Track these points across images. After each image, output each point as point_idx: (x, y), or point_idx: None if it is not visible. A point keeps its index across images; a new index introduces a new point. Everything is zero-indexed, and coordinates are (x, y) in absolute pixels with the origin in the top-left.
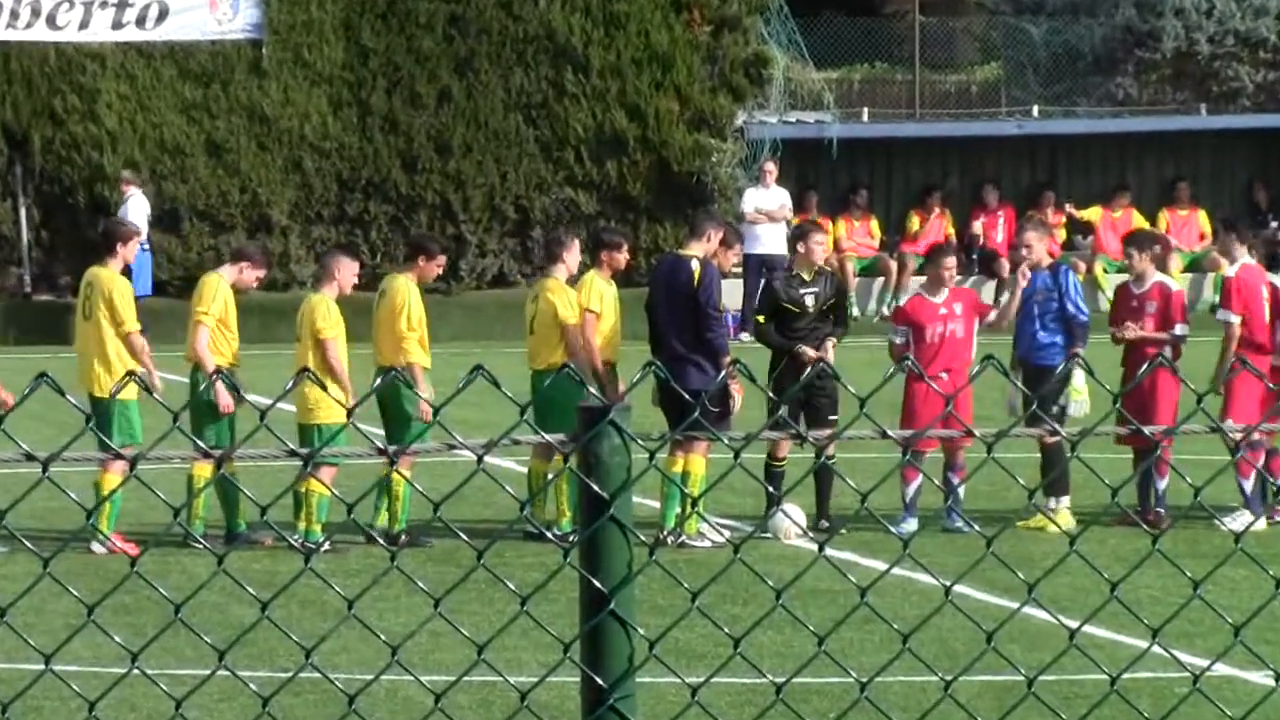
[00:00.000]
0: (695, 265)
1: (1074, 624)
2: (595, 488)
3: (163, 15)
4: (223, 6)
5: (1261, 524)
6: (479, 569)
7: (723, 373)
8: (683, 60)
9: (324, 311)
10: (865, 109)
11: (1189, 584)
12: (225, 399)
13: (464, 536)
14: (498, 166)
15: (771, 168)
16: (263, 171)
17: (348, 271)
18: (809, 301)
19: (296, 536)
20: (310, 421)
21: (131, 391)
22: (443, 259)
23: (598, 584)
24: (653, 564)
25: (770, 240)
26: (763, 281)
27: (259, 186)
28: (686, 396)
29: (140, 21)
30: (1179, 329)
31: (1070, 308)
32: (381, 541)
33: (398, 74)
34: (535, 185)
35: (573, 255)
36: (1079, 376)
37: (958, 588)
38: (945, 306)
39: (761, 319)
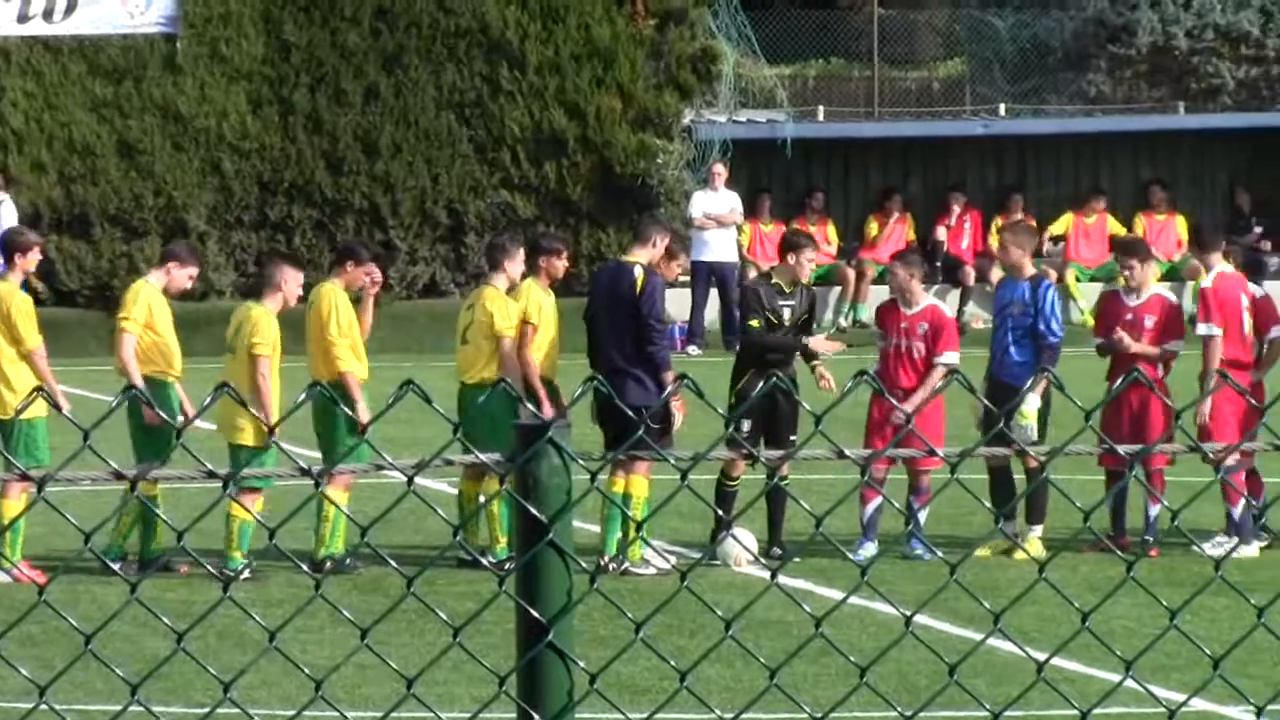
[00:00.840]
0: (638, 273)
1: (1042, 656)
2: (533, 511)
3: (71, 8)
4: None
5: (1254, 550)
6: (408, 598)
7: (666, 389)
8: (626, 56)
9: (263, 326)
10: (821, 107)
11: (1165, 614)
12: (150, 412)
13: (393, 563)
14: (429, 168)
15: (721, 170)
16: (178, 173)
17: (293, 282)
18: (785, 315)
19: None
20: (236, 442)
21: (40, 409)
22: (373, 266)
23: (535, 614)
24: (594, 593)
25: (720, 247)
26: (742, 287)
27: (174, 189)
28: (628, 413)
29: (47, 15)
30: (1174, 344)
31: (1042, 326)
32: (304, 567)
33: (322, 70)
34: (469, 188)
35: (515, 264)
36: (1031, 400)
37: (919, 618)
38: (909, 321)
39: (755, 323)
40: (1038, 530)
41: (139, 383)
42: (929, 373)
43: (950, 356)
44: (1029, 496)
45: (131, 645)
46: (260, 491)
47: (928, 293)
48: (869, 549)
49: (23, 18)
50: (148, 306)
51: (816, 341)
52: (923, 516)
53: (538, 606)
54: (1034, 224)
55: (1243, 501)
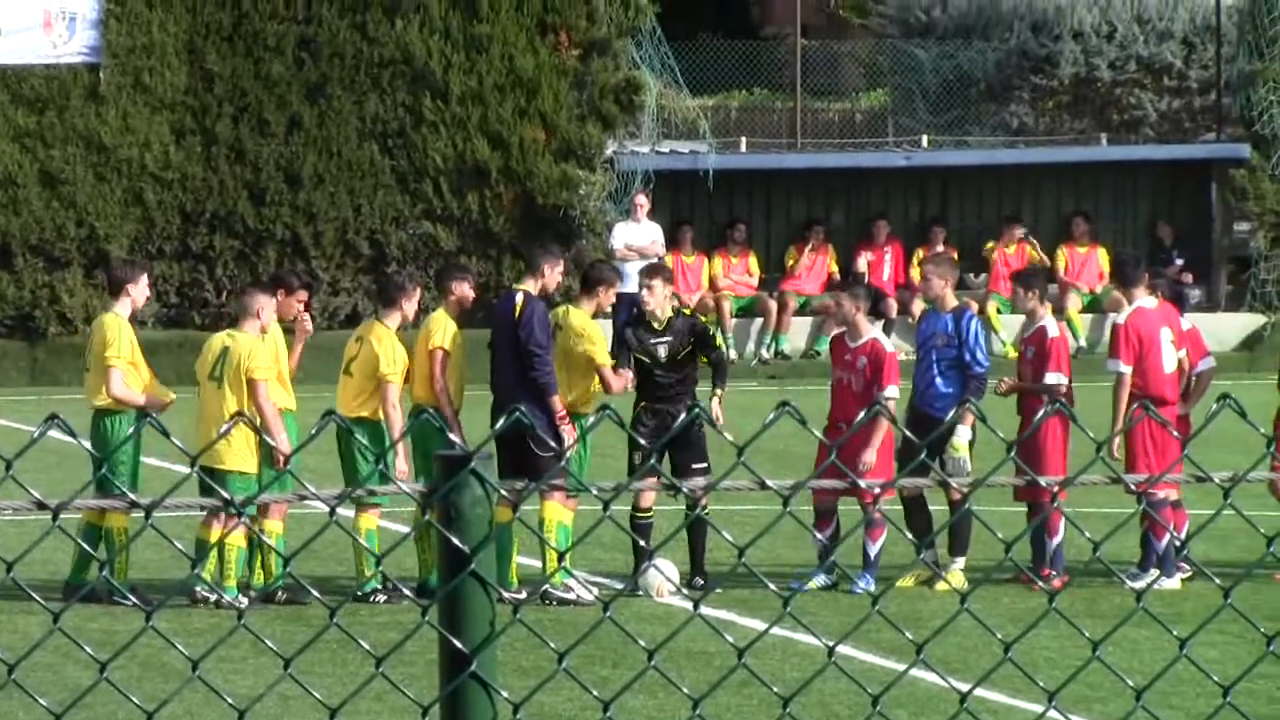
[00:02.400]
0: (519, 299)
1: (965, 687)
2: (455, 541)
3: None
4: (58, 28)
5: (1175, 583)
6: (331, 628)
7: (552, 413)
8: (549, 86)
9: (258, 353)
10: (743, 138)
11: (1087, 645)
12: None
13: (315, 593)
14: (351, 199)
15: (643, 201)
16: (101, 203)
17: (269, 308)
18: (661, 351)
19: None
20: (225, 467)
21: None
22: (304, 294)
23: (458, 644)
24: (516, 623)
25: None
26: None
27: (96, 220)
28: (537, 444)
29: None
30: (1050, 378)
31: (967, 357)
32: (230, 598)
33: (244, 100)
34: (391, 219)
35: (411, 303)
36: (962, 432)
37: (841, 648)
38: (852, 355)
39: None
40: (960, 562)
41: (141, 402)
42: (869, 407)
43: (890, 390)
44: (952, 528)
45: (54, 675)
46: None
47: (873, 325)
48: (818, 580)
49: None
50: (130, 343)
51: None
52: (873, 550)
53: (460, 637)
54: (955, 255)
55: (1167, 535)
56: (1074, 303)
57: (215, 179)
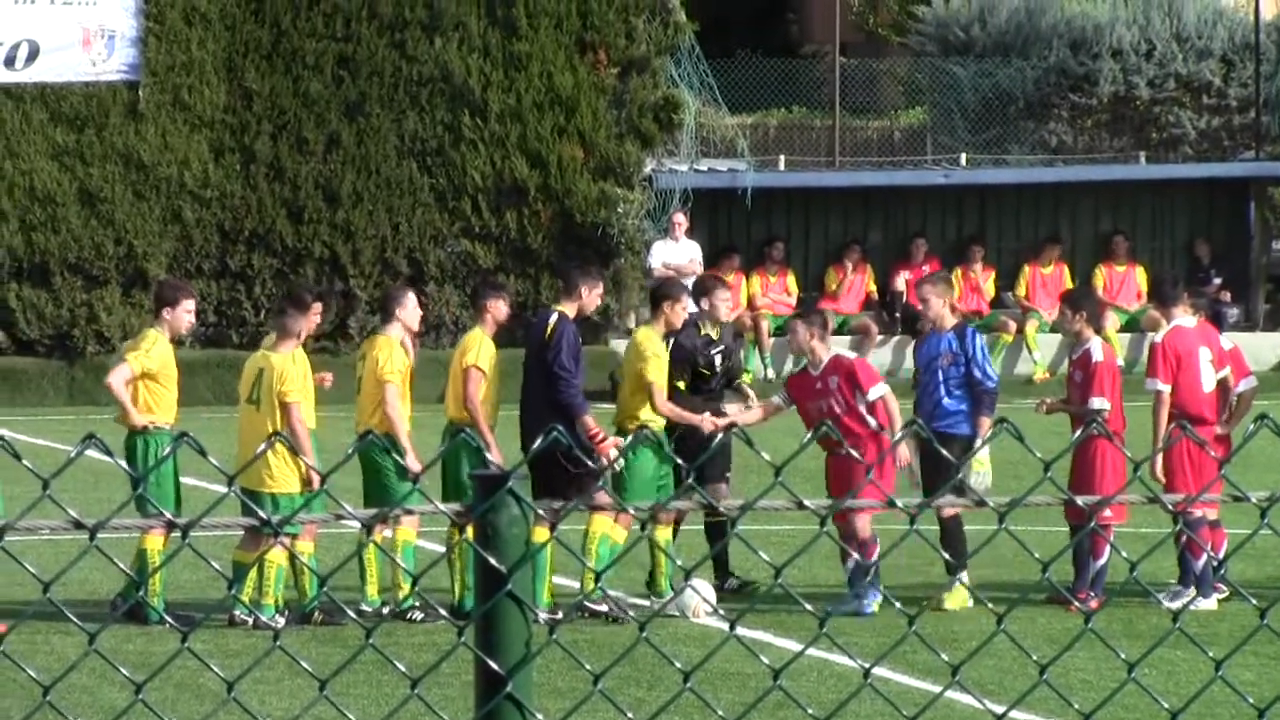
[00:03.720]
0: (552, 320)
1: (1001, 709)
2: (492, 561)
3: (33, 55)
4: (97, 46)
5: (1212, 604)
6: (367, 649)
7: (580, 433)
8: (587, 104)
9: (289, 373)
10: (782, 156)
11: (1123, 666)
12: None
13: (351, 613)
14: (389, 217)
15: (681, 219)
16: (139, 222)
17: (305, 325)
18: (718, 361)
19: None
20: (271, 490)
21: None
22: (319, 307)
23: (494, 665)
24: (553, 644)
25: None
26: (671, 343)
27: (135, 238)
28: (567, 460)
29: (9, 62)
30: (1094, 402)
31: (977, 374)
32: (263, 618)
33: (283, 118)
34: (430, 237)
35: (407, 312)
36: (984, 449)
37: (877, 670)
38: (820, 381)
39: (682, 385)
40: (963, 576)
41: (136, 418)
42: (871, 415)
43: (879, 389)
44: (949, 545)
45: (90, 696)
46: (294, 536)
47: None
48: (874, 598)
49: None
50: (159, 359)
51: (736, 413)
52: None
53: (496, 658)
54: (994, 273)
55: (1204, 555)
56: (1112, 322)
57: (254, 197)
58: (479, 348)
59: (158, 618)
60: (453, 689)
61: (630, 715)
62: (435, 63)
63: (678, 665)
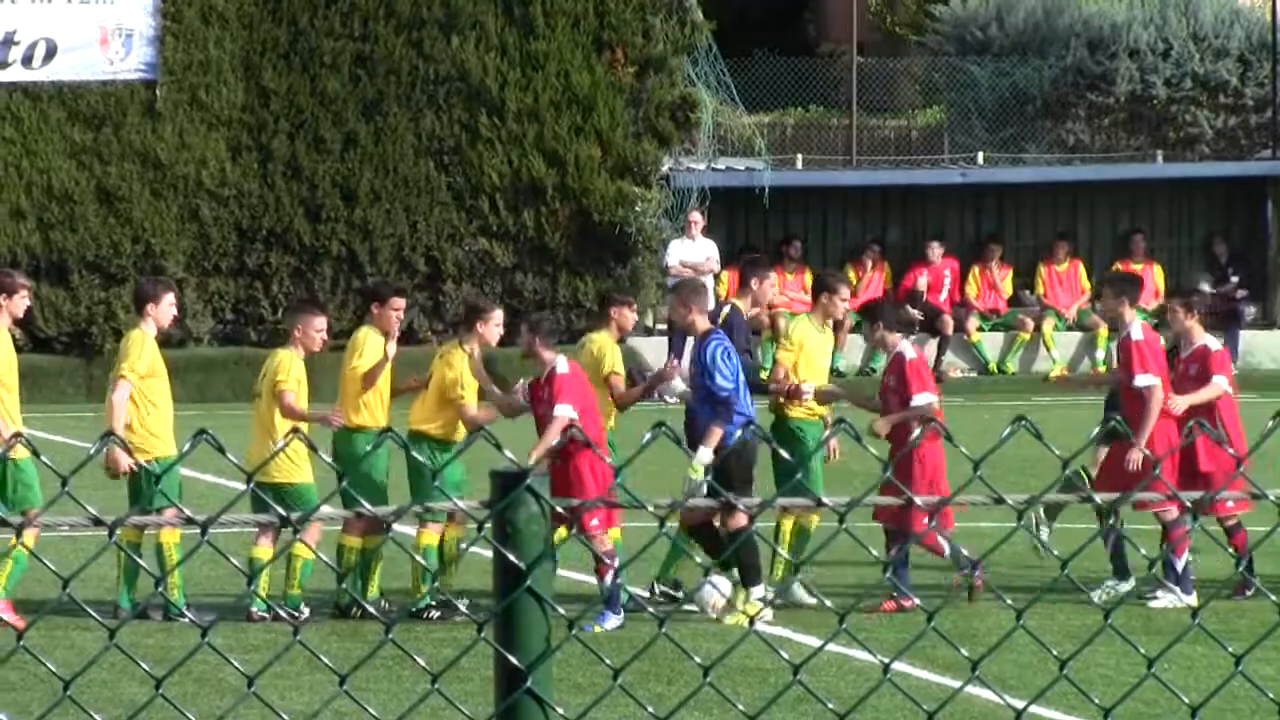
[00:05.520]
0: (724, 311)
1: (1020, 704)
2: (511, 557)
3: (50, 54)
4: (114, 45)
5: (1192, 600)
6: (387, 644)
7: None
8: (605, 103)
9: (286, 365)
10: (799, 155)
11: (1143, 661)
12: (123, 462)
13: (371, 609)
14: (407, 216)
15: (698, 218)
16: (157, 220)
17: (311, 329)
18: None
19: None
20: (286, 481)
21: (23, 450)
22: (399, 302)
23: (514, 660)
24: (571, 639)
25: None
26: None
27: (152, 236)
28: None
29: (27, 60)
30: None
31: (708, 381)
32: (283, 613)
33: (301, 117)
34: (447, 236)
35: (489, 328)
36: (703, 454)
37: (897, 665)
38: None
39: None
40: (757, 591)
41: (120, 429)
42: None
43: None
44: (739, 556)
45: (110, 691)
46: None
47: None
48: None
49: (2, 64)
50: (148, 360)
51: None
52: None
53: (516, 653)
54: (1011, 271)
55: (1186, 553)
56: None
57: (271, 196)
58: (612, 354)
59: (177, 612)
60: (473, 684)
61: (650, 710)
62: (452, 62)
63: (697, 660)
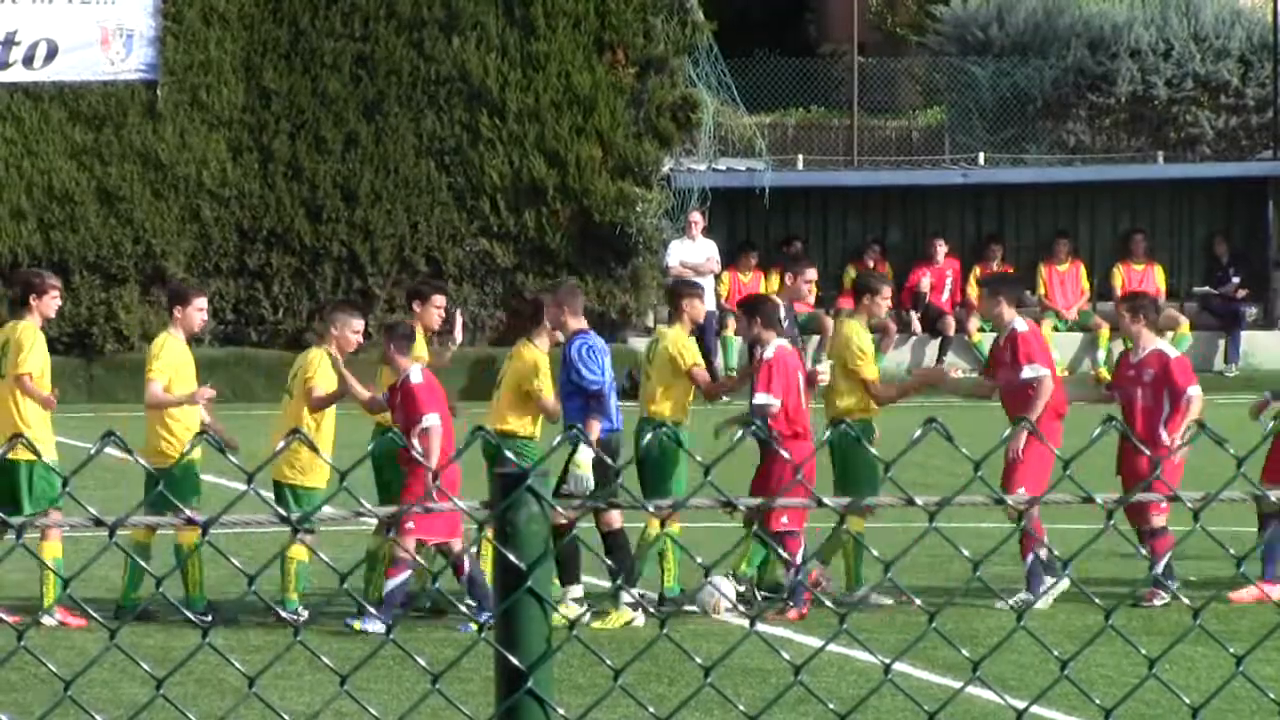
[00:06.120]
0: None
1: (1021, 704)
2: (511, 558)
3: (51, 55)
4: (115, 46)
5: (1047, 603)
6: (388, 644)
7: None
8: (605, 103)
9: (315, 363)
10: (800, 156)
11: (1144, 662)
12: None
13: (371, 610)
14: (408, 216)
15: (698, 219)
16: (157, 221)
17: (348, 330)
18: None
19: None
20: (293, 483)
21: (50, 453)
22: (440, 300)
23: (514, 660)
24: (572, 640)
25: None
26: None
27: (153, 237)
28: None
29: (28, 61)
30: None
31: (575, 377)
32: (281, 614)
33: (301, 117)
34: (448, 236)
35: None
36: (584, 452)
37: (898, 666)
38: None
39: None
40: (573, 590)
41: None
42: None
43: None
44: (560, 557)
45: (110, 691)
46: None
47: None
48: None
49: (3, 64)
50: (174, 361)
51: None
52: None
53: (517, 654)
54: (1012, 271)
55: (1032, 554)
56: None
57: (272, 196)
58: (691, 348)
59: (201, 608)
60: (473, 684)
61: (651, 710)
62: (453, 62)
63: (698, 661)
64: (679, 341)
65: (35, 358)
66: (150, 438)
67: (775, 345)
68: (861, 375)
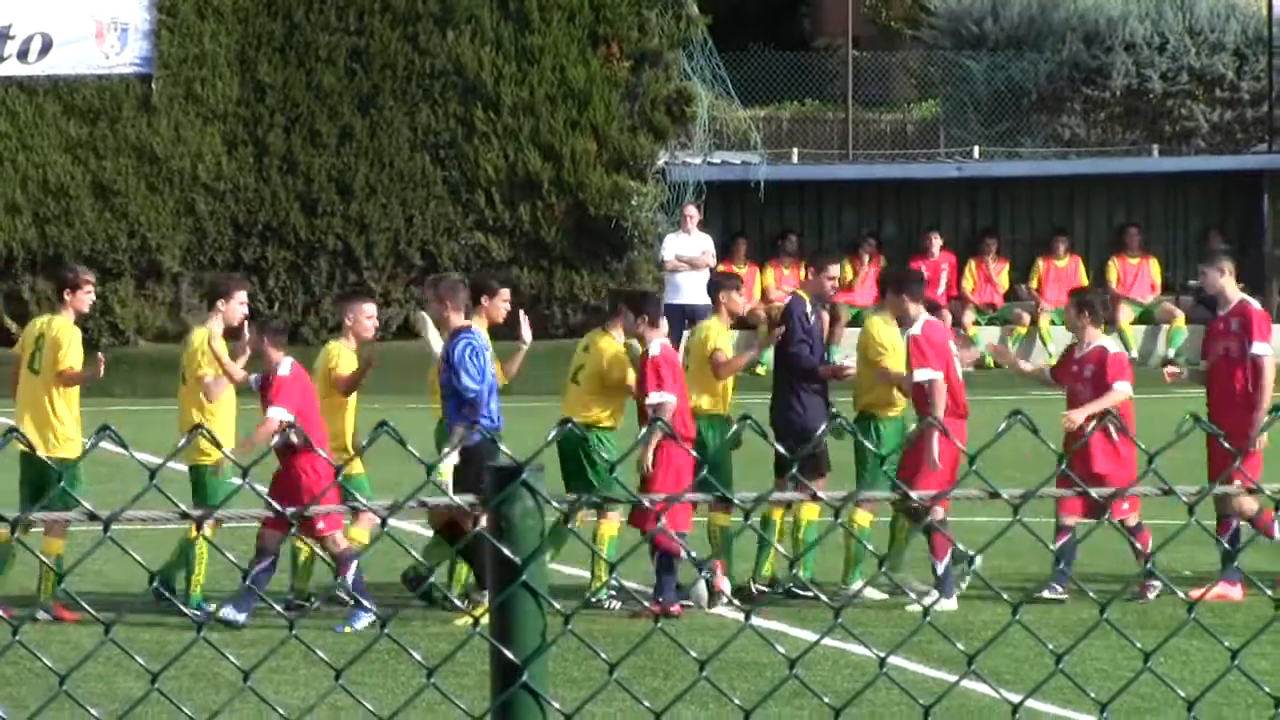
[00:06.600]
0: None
1: (1017, 698)
2: (506, 552)
3: (46, 48)
4: (110, 39)
5: (953, 605)
6: (383, 638)
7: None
8: (600, 97)
9: (336, 354)
10: (795, 149)
11: (1139, 656)
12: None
13: (366, 603)
14: (403, 210)
15: (693, 212)
16: (153, 214)
17: (362, 316)
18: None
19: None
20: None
21: (76, 449)
22: (506, 294)
23: (509, 654)
24: (567, 634)
25: (692, 289)
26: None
27: (148, 231)
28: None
29: (22, 55)
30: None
31: (454, 379)
32: (277, 608)
33: (296, 111)
34: (443, 230)
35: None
36: (449, 458)
37: (893, 659)
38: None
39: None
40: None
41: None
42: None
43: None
44: (470, 558)
45: (106, 686)
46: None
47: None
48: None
49: None
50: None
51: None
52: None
53: (511, 647)
54: (1007, 265)
55: (948, 555)
56: (1126, 314)
57: (267, 190)
58: (723, 337)
59: (196, 605)
60: (468, 678)
61: (646, 704)
62: (448, 56)
63: (693, 655)
64: (715, 333)
65: (74, 354)
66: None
67: (659, 342)
68: (882, 368)
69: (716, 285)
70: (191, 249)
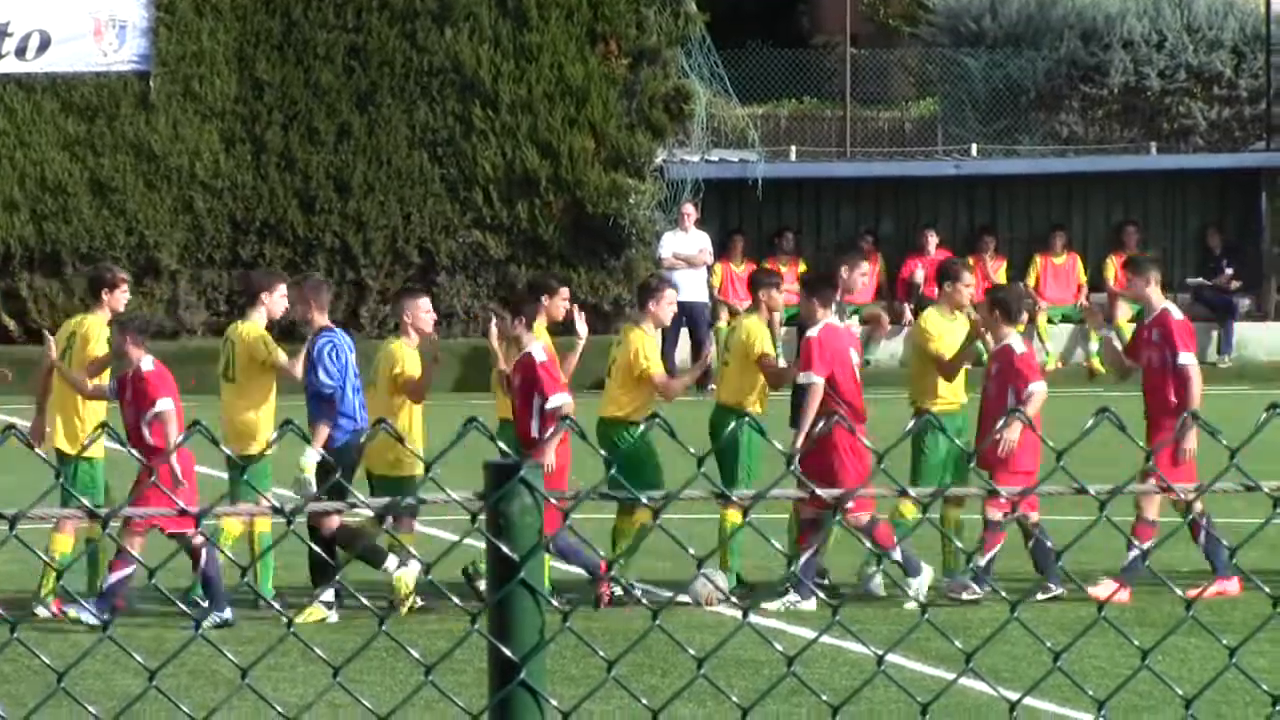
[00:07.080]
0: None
1: (1015, 696)
2: (505, 549)
3: (44, 46)
4: (108, 36)
5: (812, 605)
6: (380, 636)
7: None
8: (598, 95)
9: (399, 355)
10: (793, 147)
11: (1137, 653)
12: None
13: (364, 600)
14: (401, 207)
15: (690, 210)
16: (150, 212)
17: (419, 312)
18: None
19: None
20: (390, 474)
21: (100, 449)
22: (565, 293)
23: (507, 652)
24: (565, 631)
25: (690, 287)
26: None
27: (146, 228)
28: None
29: (20, 52)
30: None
31: (312, 376)
32: (277, 608)
33: (294, 108)
34: (441, 227)
35: (662, 306)
36: (310, 455)
37: (891, 657)
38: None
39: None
40: (325, 594)
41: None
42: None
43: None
44: (315, 558)
45: (104, 683)
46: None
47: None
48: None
49: None
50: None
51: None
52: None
53: (510, 645)
54: (1004, 263)
55: (806, 555)
56: (1123, 311)
57: (265, 187)
58: (763, 337)
59: (270, 597)
60: (466, 676)
61: (644, 702)
62: (446, 53)
63: (691, 652)
64: (754, 330)
65: (100, 348)
66: (234, 425)
67: (540, 345)
68: (932, 356)
69: (756, 282)
70: (189, 246)
